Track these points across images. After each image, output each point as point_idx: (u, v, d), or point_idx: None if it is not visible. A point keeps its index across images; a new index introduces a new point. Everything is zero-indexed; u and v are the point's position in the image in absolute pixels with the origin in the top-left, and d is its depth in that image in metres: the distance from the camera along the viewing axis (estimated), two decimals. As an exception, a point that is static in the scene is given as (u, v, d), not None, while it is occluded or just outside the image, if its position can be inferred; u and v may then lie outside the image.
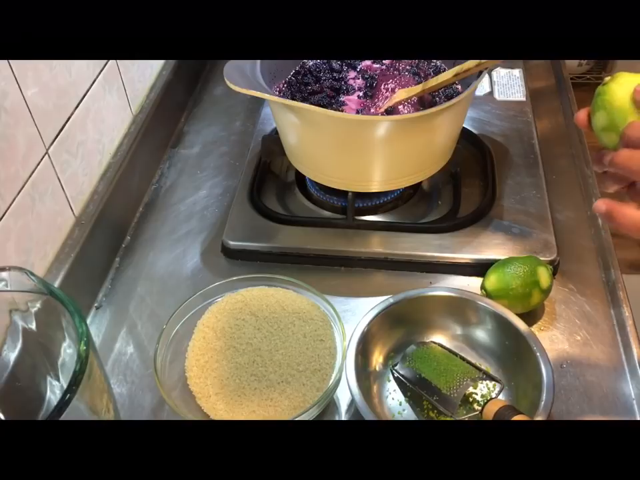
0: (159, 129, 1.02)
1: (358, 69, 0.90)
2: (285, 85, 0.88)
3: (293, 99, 0.85)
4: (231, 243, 0.84)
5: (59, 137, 0.76)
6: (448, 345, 0.71)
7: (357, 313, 0.76)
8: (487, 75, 1.04)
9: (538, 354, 0.65)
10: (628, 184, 0.53)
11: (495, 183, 0.89)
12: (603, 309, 0.77)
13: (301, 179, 0.93)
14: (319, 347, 0.69)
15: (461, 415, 0.65)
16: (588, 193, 0.90)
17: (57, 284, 0.74)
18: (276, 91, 0.87)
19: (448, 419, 0.65)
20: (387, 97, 0.84)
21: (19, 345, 0.58)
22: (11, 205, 0.68)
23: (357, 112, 0.82)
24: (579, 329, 0.75)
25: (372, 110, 0.83)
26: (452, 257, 0.81)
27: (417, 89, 0.80)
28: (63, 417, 0.46)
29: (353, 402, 0.66)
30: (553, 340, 0.74)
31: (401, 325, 0.72)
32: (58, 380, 0.59)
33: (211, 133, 1.07)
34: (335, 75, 0.88)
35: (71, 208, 0.80)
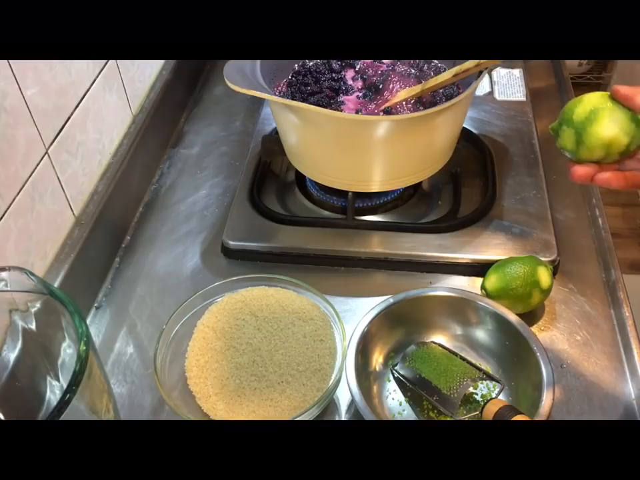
0: (159, 129, 1.02)
1: (357, 69, 0.90)
2: (285, 85, 0.88)
3: (292, 99, 0.85)
4: (231, 242, 0.85)
5: (59, 136, 0.76)
6: (448, 345, 0.71)
7: (357, 312, 0.76)
8: (487, 75, 1.04)
9: (538, 354, 0.65)
10: None
11: (495, 182, 0.89)
12: (603, 309, 0.77)
13: (301, 178, 0.93)
14: (319, 347, 0.69)
15: (461, 415, 0.65)
16: (588, 192, 0.90)
17: (56, 284, 0.74)
18: (276, 91, 0.87)
19: (448, 419, 0.65)
20: (386, 97, 0.83)
21: (19, 345, 0.58)
22: (10, 204, 0.68)
23: (356, 112, 0.82)
24: (579, 328, 0.75)
25: (371, 110, 0.83)
26: (452, 257, 0.81)
27: (417, 89, 0.80)
28: (63, 417, 0.46)
29: (352, 402, 0.66)
30: (553, 340, 0.74)
31: (401, 325, 0.72)
32: (58, 380, 0.59)
33: (211, 133, 1.07)
34: (334, 75, 0.88)
35: (71, 208, 0.80)
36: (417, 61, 0.89)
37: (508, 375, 0.69)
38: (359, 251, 0.83)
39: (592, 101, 0.55)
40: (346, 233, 0.85)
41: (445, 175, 0.90)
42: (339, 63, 0.90)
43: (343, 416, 0.69)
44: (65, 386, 0.51)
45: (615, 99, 0.54)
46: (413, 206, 0.89)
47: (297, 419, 0.63)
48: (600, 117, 0.54)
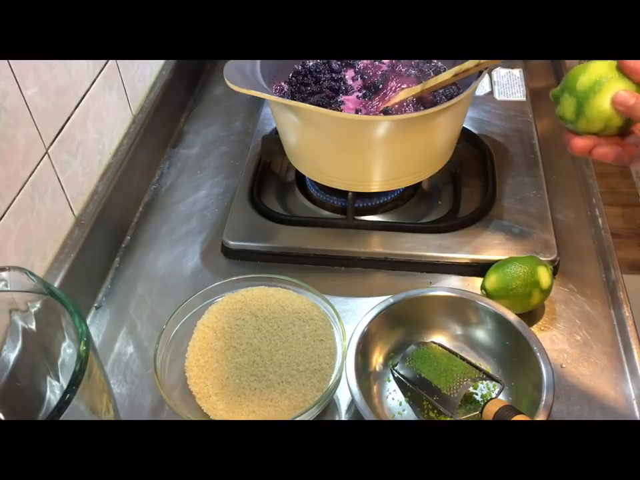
0: (159, 129, 1.02)
1: (357, 69, 0.90)
2: (285, 85, 0.88)
3: (292, 99, 0.85)
4: (231, 242, 0.85)
5: (59, 136, 0.76)
6: (448, 345, 0.71)
7: (357, 312, 0.76)
8: (487, 75, 1.04)
9: (538, 354, 0.65)
10: None
11: (495, 182, 0.89)
12: (603, 309, 0.77)
13: (300, 178, 0.93)
14: (319, 347, 0.69)
15: (461, 415, 0.65)
16: (588, 192, 0.90)
17: (56, 284, 0.74)
18: (276, 90, 0.87)
19: (448, 418, 0.65)
20: (386, 97, 0.84)
21: (19, 345, 0.58)
22: (10, 204, 0.68)
23: (356, 112, 0.82)
24: (579, 329, 0.75)
25: (370, 110, 0.83)
26: (452, 257, 0.81)
27: (417, 89, 0.80)
28: (63, 417, 0.46)
29: (352, 402, 0.66)
30: (553, 340, 0.74)
31: (401, 325, 0.72)
32: (58, 380, 0.59)
33: (211, 133, 1.07)
34: (334, 75, 0.88)
35: (71, 208, 0.80)
36: (417, 60, 0.89)
37: (508, 374, 0.69)
38: (358, 251, 0.83)
39: (597, 70, 0.53)
40: (346, 233, 0.85)
41: (445, 174, 0.90)
42: (339, 62, 0.90)
43: (343, 416, 0.69)
44: (65, 386, 0.51)
45: (622, 71, 0.52)
46: (413, 206, 0.89)
47: (297, 419, 0.63)
48: (604, 89, 0.52)
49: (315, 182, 0.90)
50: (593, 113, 0.53)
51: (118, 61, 0.90)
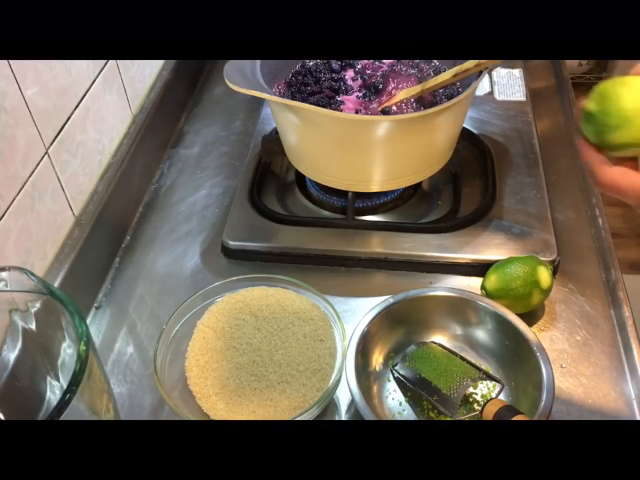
0: (159, 129, 1.02)
1: (357, 69, 0.90)
2: (285, 85, 0.88)
3: (292, 99, 0.85)
4: (231, 242, 0.85)
5: (59, 136, 0.76)
6: (448, 345, 0.71)
7: (357, 312, 0.76)
8: (487, 75, 1.04)
9: (538, 354, 0.65)
10: None
11: (495, 182, 0.89)
12: (603, 309, 0.77)
13: (300, 178, 0.93)
14: (319, 347, 0.69)
15: (461, 415, 0.65)
16: (588, 192, 0.89)
17: (56, 284, 0.74)
18: (276, 91, 0.87)
19: (448, 418, 0.65)
20: (386, 97, 0.84)
21: (19, 345, 0.58)
22: (10, 204, 0.68)
23: (356, 112, 0.82)
24: (579, 329, 0.75)
25: (370, 110, 0.83)
26: (452, 257, 0.81)
27: (416, 89, 0.80)
28: (63, 417, 0.46)
29: (352, 402, 0.66)
30: (553, 340, 0.74)
31: (401, 325, 0.72)
32: (58, 380, 0.59)
33: (211, 133, 1.07)
34: (334, 75, 0.88)
35: (71, 208, 0.80)
36: (417, 60, 0.89)
37: (508, 374, 0.69)
38: (358, 251, 0.83)
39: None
40: (346, 233, 0.85)
41: (445, 175, 0.90)
42: (339, 62, 0.90)
43: (343, 416, 0.69)
44: (65, 386, 0.51)
45: None
46: (413, 206, 0.89)
47: (297, 419, 0.63)
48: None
49: (315, 182, 0.90)
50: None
51: (118, 61, 0.90)
